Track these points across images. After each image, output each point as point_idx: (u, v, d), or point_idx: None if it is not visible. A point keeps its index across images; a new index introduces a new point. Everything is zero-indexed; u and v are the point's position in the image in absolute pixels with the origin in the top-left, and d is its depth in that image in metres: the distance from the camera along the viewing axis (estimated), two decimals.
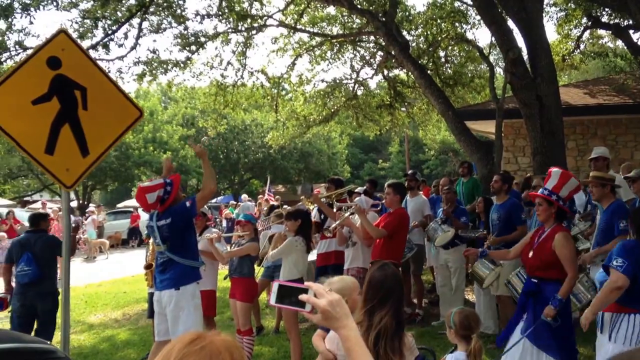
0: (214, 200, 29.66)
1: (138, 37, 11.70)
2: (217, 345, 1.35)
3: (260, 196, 18.67)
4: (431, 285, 9.18)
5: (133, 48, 11.77)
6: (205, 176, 5.47)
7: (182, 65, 13.31)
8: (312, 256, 7.44)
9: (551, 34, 38.78)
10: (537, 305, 4.50)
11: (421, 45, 15.09)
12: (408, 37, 14.11)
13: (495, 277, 6.34)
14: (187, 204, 5.19)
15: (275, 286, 1.72)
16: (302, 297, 1.65)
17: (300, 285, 1.69)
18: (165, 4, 11.91)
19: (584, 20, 13.25)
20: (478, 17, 13.17)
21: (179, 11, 12.30)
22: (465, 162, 9.87)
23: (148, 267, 6.20)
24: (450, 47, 15.30)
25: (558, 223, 4.62)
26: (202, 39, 13.33)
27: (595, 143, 11.88)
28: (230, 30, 13.85)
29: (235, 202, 23.81)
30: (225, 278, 6.97)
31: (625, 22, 11.81)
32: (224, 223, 20.11)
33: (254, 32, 14.38)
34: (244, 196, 22.06)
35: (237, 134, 35.23)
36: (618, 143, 12.34)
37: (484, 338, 6.56)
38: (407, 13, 14.93)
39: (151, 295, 6.10)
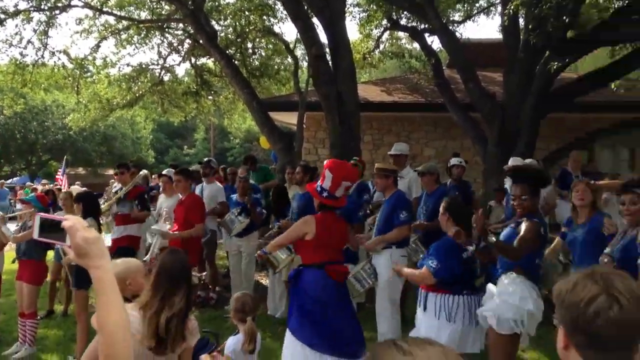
0: (9, 181, 29.28)
1: None
2: None
3: (58, 177, 17.74)
4: (227, 270, 9.18)
5: None
6: None
7: None
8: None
9: (354, 32, 41.07)
10: (295, 291, 4.60)
11: (230, 35, 15.05)
12: (217, 27, 14.04)
13: (288, 262, 6.41)
14: None
15: (36, 219, 1.68)
16: (65, 224, 1.58)
17: (63, 218, 1.63)
18: None
19: (384, 22, 13.99)
20: (285, 12, 13.36)
21: None
22: (248, 156, 10.06)
23: None
24: (257, 39, 15.45)
25: (322, 211, 4.65)
26: (2, 16, 12.67)
27: (390, 138, 12.67)
28: (32, 8, 13.15)
29: (31, 184, 22.38)
30: (13, 261, 6.98)
31: (422, 26, 12.66)
32: (18, 205, 18.54)
33: (57, 11, 13.73)
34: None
35: (36, 114, 33.74)
36: (410, 139, 13.26)
37: (277, 321, 6.86)
38: (216, 3, 14.79)
39: None
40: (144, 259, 7.33)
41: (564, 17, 8.79)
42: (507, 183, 4.53)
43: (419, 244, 6.27)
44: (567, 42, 9.50)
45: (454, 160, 7.99)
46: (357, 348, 4.39)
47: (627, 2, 9.66)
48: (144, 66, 16.16)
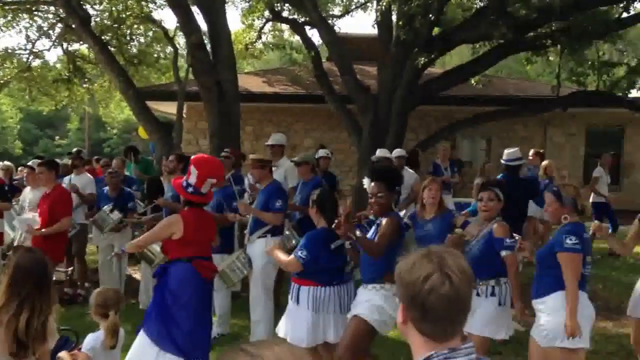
0: None
1: None
2: None
3: None
4: (97, 266, 8.90)
5: None
6: None
7: None
8: None
9: (236, 23, 40.78)
10: (158, 288, 4.48)
11: (105, 20, 14.46)
12: (91, 11, 13.41)
13: (164, 256, 6.37)
14: None
15: None
16: None
17: None
18: None
19: (267, 13, 14.08)
20: None
21: None
22: (129, 147, 9.84)
23: None
24: (135, 26, 14.93)
25: (189, 208, 4.58)
26: None
27: (271, 129, 12.83)
28: None
29: None
30: None
31: (302, 19, 12.86)
32: None
33: None
34: None
35: None
36: (291, 130, 13.52)
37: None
38: None
39: None
40: (7, 253, 6.97)
41: (430, 15, 9.37)
42: (365, 182, 4.77)
43: (293, 231, 6.45)
44: (433, 39, 10.11)
45: (321, 152, 8.29)
46: (203, 354, 4.39)
47: (486, 3, 10.44)
48: (10, 51, 15.14)
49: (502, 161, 7.02)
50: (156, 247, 6.04)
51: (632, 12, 11.08)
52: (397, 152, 8.40)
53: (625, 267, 8.32)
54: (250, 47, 14.49)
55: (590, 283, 4.03)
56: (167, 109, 13.95)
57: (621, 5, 10.55)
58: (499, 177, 6.98)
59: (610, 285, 7.30)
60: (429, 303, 1.55)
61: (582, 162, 14.97)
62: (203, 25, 10.46)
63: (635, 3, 11.15)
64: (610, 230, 8.68)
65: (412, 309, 1.60)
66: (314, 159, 7.45)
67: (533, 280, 4.10)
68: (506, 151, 6.99)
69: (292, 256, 4.42)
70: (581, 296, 3.88)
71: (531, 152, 8.99)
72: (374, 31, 11.95)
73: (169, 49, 14.74)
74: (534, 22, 9.19)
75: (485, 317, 4.15)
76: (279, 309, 6.08)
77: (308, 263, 4.34)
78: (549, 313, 3.85)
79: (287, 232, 6.35)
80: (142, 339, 4.32)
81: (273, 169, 6.76)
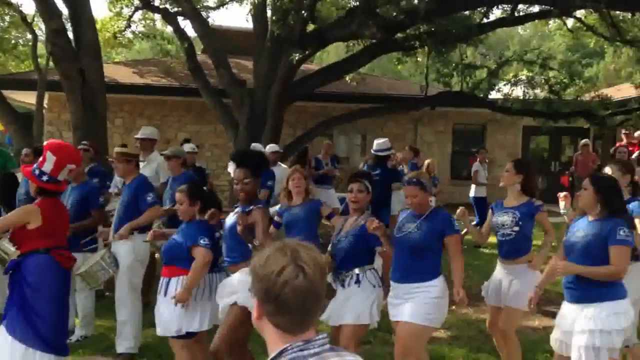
0: None
1: None
2: None
3: None
4: None
5: None
6: None
7: None
8: None
9: (104, 10, 38.86)
10: (13, 282, 4.14)
11: None
12: None
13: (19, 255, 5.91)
14: None
15: None
16: None
17: None
18: None
19: (136, 1, 13.45)
20: None
21: None
22: None
23: None
24: None
25: (43, 197, 4.26)
26: None
27: (143, 122, 12.34)
28: None
29: None
30: None
31: (174, 9, 12.40)
32: None
33: None
34: None
35: None
36: (164, 123, 13.06)
37: None
38: None
39: None
40: None
41: (303, 12, 9.44)
42: (230, 167, 4.70)
43: (164, 228, 6.24)
44: (307, 36, 10.20)
45: (186, 147, 8.12)
46: (64, 343, 4.26)
47: (357, 2, 10.70)
48: None
49: (372, 151, 7.26)
50: (9, 246, 5.56)
51: (491, 19, 11.91)
52: (271, 147, 8.38)
53: (486, 257, 8.86)
54: (119, 36, 13.79)
55: None
56: (26, 98, 12.96)
57: (482, 11, 11.29)
58: (364, 167, 7.21)
59: (472, 274, 7.73)
60: (283, 296, 1.54)
61: (450, 159, 15.87)
62: (65, 10, 9.80)
63: (494, 10, 11.98)
64: (477, 221, 9.29)
65: (267, 303, 1.58)
66: (184, 152, 7.22)
67: (401, 264, 4.19)
68: (376, 141, 7.24)
69: (199, 251, 4.20)
70: (444, 281, 4.10)
71: (406, 147, 9.40)
72: (250, 25, 11.84)
73: (28, 35, 13.69)
74: (402, 23, 9.55)
75: (356, 305, 4.19)
76: (150, 307, 5.84)
77: (212, 246, 4.23)
78: (435, 295, 4.02)
79: (156, 229, 6.12)
80: (3, 340, 3.99)
81: (142, 163, 6.48)
